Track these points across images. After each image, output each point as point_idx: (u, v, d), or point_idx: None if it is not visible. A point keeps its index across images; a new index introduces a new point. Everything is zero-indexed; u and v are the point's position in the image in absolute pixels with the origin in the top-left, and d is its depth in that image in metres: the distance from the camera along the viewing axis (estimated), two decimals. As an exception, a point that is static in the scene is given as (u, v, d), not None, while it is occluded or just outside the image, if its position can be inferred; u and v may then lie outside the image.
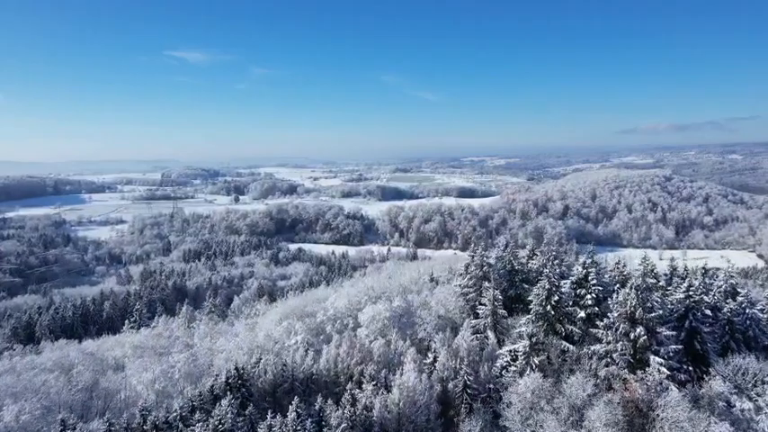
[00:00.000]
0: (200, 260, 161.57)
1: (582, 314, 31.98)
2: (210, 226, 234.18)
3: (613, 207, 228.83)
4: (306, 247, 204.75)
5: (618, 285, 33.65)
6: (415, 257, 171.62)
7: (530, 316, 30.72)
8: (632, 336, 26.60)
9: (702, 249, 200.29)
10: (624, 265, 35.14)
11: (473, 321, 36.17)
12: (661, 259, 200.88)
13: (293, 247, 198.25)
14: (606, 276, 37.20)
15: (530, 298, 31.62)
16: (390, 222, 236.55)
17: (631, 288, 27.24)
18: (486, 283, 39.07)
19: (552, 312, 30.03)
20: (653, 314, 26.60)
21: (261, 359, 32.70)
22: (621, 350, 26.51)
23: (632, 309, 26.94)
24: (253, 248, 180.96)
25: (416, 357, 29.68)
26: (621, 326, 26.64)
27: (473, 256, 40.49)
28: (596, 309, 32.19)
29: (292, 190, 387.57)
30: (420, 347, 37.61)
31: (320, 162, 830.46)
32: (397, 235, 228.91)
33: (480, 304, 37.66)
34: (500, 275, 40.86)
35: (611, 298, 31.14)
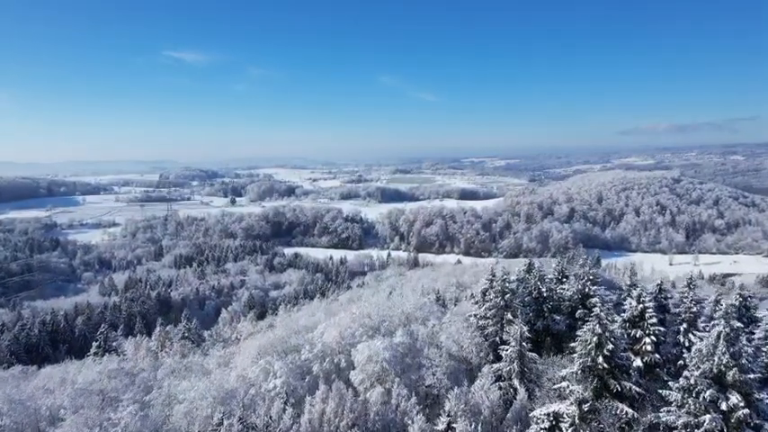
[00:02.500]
0: (191, 266, 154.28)
1: (638, 363, 24.79)
2: (205, 229, 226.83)
3: (621, 210, 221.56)
4: (303, 251, 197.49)
5: (685, 325, 26.57)
6: (416, 263, 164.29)
7: (574, 369, 23.51)
8: (723, 406, 19.55)
9: (714, 254, 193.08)
10: (693, 302, 27.51)
11: (494, 366, 28.95)
12: (671, 264, 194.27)
13: (290, 251, 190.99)
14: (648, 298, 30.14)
15: (572, 344, 24.43)
16: (390, 226, 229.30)
17: (719, 337, 20.22)
18: (509, 315, 31.91)
19: (605, 365, 22.88)
20: (751, 375, 19.54)
21: (223, 421, 25.42)
22: (709, 426, 19.47)
23: (721, 367, 19.93)
24: (247, 253, 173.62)
25: (425, 426, 22.52)
26: (708, 391, 19.58)
27: (492, 281, 33.28)
28: (656, 356, 25.05)
29: (290, 191, 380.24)
30: (428, 395, 30.47)
31: (319, 163, 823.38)
32: (397, 239, 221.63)
33: (503, 342, 30.44)
34: (524, 303, 33.68)
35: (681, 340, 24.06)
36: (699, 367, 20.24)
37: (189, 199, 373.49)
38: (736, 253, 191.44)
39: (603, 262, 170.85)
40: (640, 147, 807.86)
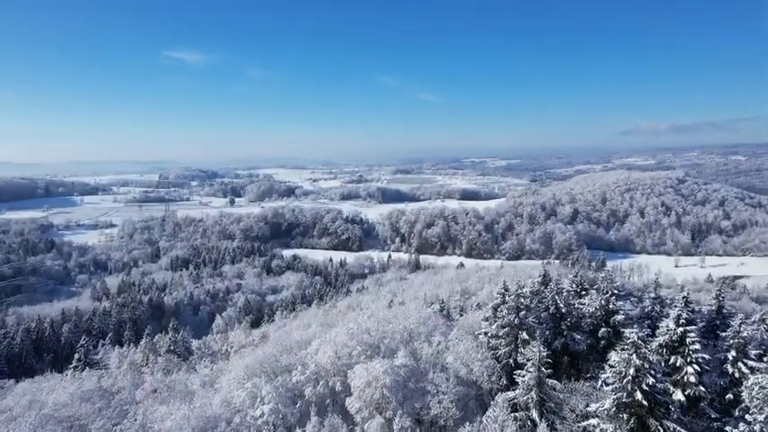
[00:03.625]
0: (187, 268, 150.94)
1: (679, 396, 21.41)
2: (203, 230, 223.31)
3: (625, 211, 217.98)
4: (302, 252, 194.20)
5: (734, 352, 23.09)
6: (417, 266, 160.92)
7: (606, 406, 20.14)
8: (796, 459, 16.24)
9: (721, 256, 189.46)
10: (742, 324, 23.81)
11: (509, 394, 25.55)
12: (677, 266, 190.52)
13: (288, 253, 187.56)
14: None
15: (603, 375, 21.09)
16: (391, 227, 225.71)
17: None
18: (524, 334, 28.52)
19: (644, 402, 19.50)
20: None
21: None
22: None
23: (791, 411, 16.53)
24: (245, 255, 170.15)
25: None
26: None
27: (504, 295, 29.87)
28: (701, 388, 21.65)
29: (290, 192, 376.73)
30: (433, 424, 27.12)
31: (319, 163, 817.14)
32: (398, 240, 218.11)
33: (517, 366, 27.09)
34: (540, 320, 30.28)
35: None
36: (763, 410, 16.90)
37: (188, 199, 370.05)
38: (744, 255, 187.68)
39: (608, 264, 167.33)
40: (641, 147, 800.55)
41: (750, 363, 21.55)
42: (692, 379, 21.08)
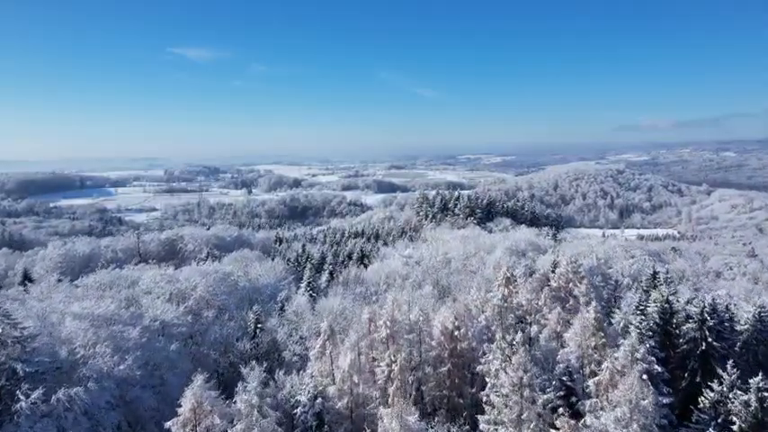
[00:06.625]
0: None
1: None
2: (234, 212, 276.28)
3: (571, 195, 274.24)
4: (316, 229, 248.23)
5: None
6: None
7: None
8: None
9: (639, 229, 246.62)
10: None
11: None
12: (604, 236, 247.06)
13: (302, 231, 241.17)
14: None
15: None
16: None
17: None
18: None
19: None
20: None
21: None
22: None
23: None
24: (273, 229, 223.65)
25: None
26: None
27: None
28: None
29: (297, 184, 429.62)
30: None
31: (315, 160, 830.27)
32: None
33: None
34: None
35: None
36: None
37: (207, 190, 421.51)
38: (655, 228, 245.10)
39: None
40: (639, 143, 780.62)
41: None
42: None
